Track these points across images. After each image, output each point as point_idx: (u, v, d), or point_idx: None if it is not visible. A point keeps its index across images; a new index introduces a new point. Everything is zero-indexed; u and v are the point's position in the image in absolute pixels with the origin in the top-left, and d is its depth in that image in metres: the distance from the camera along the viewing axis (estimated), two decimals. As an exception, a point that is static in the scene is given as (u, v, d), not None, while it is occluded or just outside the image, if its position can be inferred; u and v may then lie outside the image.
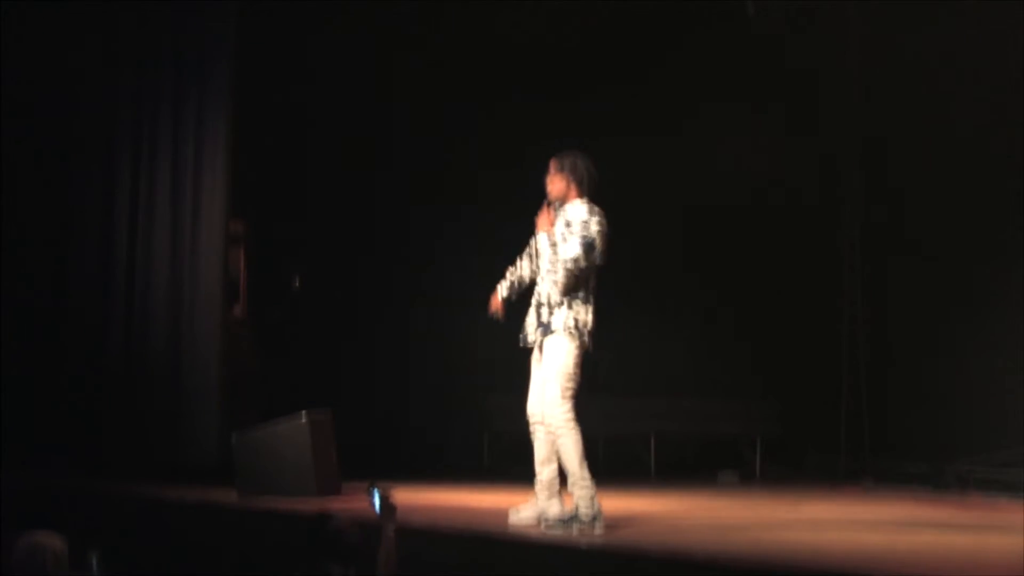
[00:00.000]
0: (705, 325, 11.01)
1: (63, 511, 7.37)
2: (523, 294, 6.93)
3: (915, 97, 10.04)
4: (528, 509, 6.80)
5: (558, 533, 6.49)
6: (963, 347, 9.68)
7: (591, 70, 10.84)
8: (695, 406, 10.64)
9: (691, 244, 11.12)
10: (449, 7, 10.23)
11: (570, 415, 6.55)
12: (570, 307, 6.58)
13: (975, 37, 9.44)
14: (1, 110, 9.17)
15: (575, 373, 6.58)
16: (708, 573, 5.77)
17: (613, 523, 6.61)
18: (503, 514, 6.92)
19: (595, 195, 6.70)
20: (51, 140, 9.40)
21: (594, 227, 6.57)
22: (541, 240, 6.71)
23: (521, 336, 6.80)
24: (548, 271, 6.63)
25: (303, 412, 8.04)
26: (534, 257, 6.87)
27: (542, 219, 6.72)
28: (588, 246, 6.54)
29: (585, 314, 6.60)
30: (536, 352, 6.75)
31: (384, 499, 5.49)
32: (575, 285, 6.57)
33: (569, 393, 6.56)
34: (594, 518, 6.47)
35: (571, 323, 6.56)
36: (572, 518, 6.52)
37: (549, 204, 6.75)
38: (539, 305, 6.68)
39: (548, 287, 6.64)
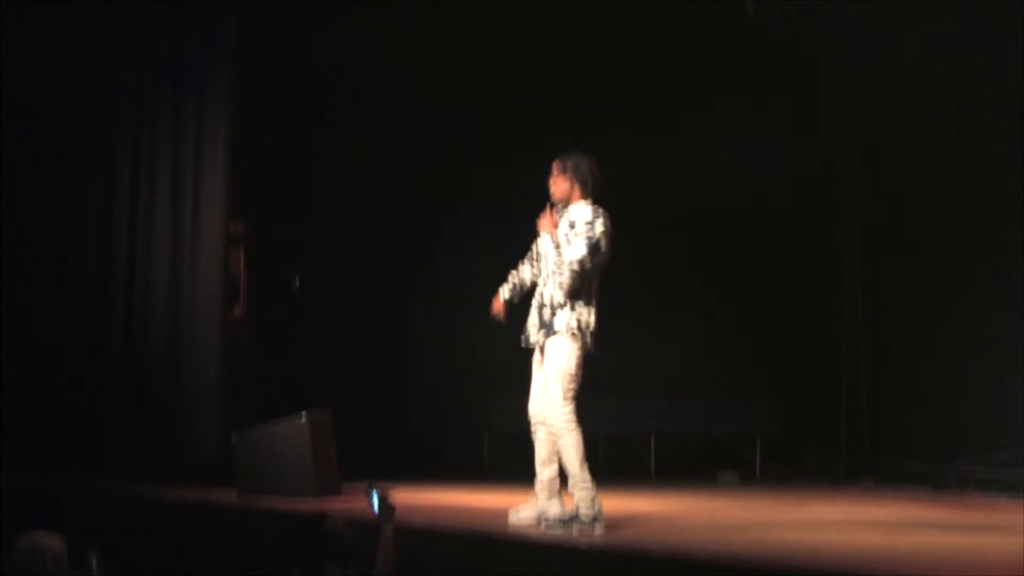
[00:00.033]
0: (705, 325, 11.01)
1: (63, 511, 7.37)
2: (525, 296, 6.93)
3: (915, 97, 10.04)
4: (528, 509, 6.80)
5: (558, 533, 6.49)
6: (963, 347, 9.68)
7: (591, 70, 10.84)
8: (695, 406, 10.64)
9: (691, 244, 11.11)
10: (449, 7, 10.23)
11: (571, 416, 6.55)
12: (573, 308, 6.58)
13: (975, 37, 9.44)
14: (1, 110, 9.17)
15: (577, 374, 6.58)
16: (708, 573, 5.77)
17: (613, 523, 6.61)
18: (503, 514, 6.92)
19: (598, 196, 6.71)
20: (51, 140, 9.40)
21: (599, 228, 6.58)
22: (544, 242, 6.70)
23: (523, 337, 6.80)
24: (553, 273, 6.62)
25: (303, 412, 8.04)
26: (536, 260, 6.86)
27: (544, 221, 6.72)
28: (594, 247, 6.55)
29: (588, 315, 6.60)
30: (538, 353, 6.75)
31: (383, 499, 5.49)
32: (580, 286, 6.57)
33: (571, 394, 6.56)
34: (594, 519, 6.48)
35: (574, 324, 6.56)
36: (572, 519, 6.52)
37: (552, 206, 6.75)
38: (541, 306, 6.68)
39: (551, 288, 6.64)
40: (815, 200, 10.85)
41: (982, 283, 9.73)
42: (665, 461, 10.45)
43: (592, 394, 6.76)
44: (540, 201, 6.84)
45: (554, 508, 6.68)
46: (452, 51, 10.58)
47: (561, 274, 6.56)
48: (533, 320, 6.73)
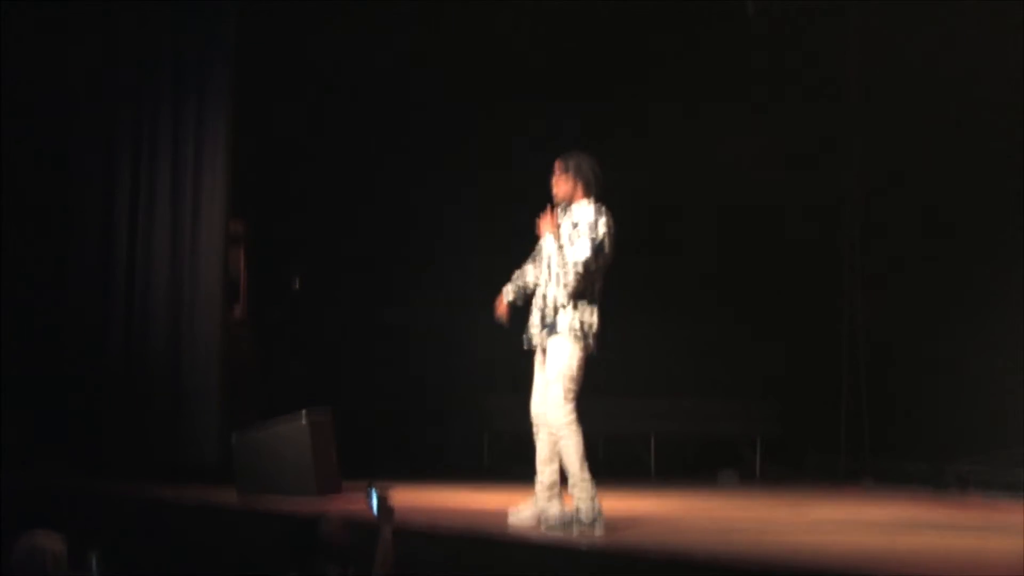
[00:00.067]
0: (705, 325, 11.00)
1: (63, 511, 7.37)
2: (529, 297, 6.92)
3: (915, 97, 10.03)
4: (528, 509, 6.80)
5: (558, 534, 6.49)
6: (963, 347, 9.67)
7: (591, 70, 10.84)
8: (695, 406, 10.64)
9: (691, 244, 11.11)
10: (449, 7, 10.23)
11: (572, 417, 6.55)
12: (575, 309, 6.58)
13: (975, 37, 9.44)
14: (1, 110, 9.17)
15: (578, 375, 6.58)
16: (708, 573, 5.77)
17: (613, 524, 6.61)
18: (503, 514, 6.93)
19: (601, 195, 6.71)
20: (51, 140, 9.40)
21: (602, 228, 6.58)
22: (547, 242, 6.70)
23: (525, 337, 6.80)
24: (556, 274, 6.62)
25: (303, 412, 8.04)
26: (540, 260, 6.85)
27: (545, 222, 6.72)
28: (597, 248, 6.56)
29: (591, 316, 6.61)
30: (540, 353, 6.75)
31: (382, 500, 5.49)
32: (583, 286, 6.57)
33: (571, 395, 6.57)
34: (594, 520, 6.48)
35: (576, 325, 6.57)
36: (572, 519, 6.52)
37: (554, 206, 6.75)
38: (544, 307, 6.68)
39: (554, 289, 6.64)
40: (815, 200, 10.84)
41: (982, 283, 9.73)
42: (665, 461, 10.45)
43: (592, 394, 6.76)
44: (540, 201, 6.84)
45: (554, 508, 6.68)
46: (452, 51, 10.57)
47: (565, 275, 6.56)
48: (535, 321, 6.74)
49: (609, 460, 9.82)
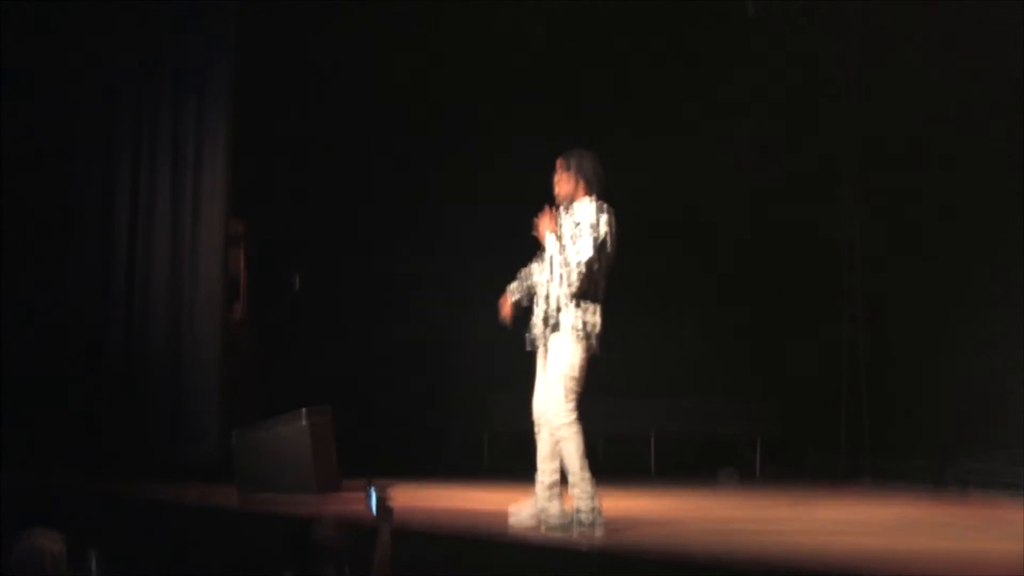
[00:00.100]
0: (705, 325, 11.01)
1: (63, 511, 7.37)
2: (534, 297, 6.91)
3: (915, 97, 10.03)
4: (528, 509, 6.80)
5: (558, 534, 6.49)
6: (963, 347, 9.67)
7: (591, 70, 10.84)
8: (695, 406, 10.63)
9: (691, 244, 11.11)
10: (449, 7, 10.23)
11: (573, 416, 6.55)
12: (578, 308, 6.58)
13: (975, 37, 9.43)
14: (1, 110, 9.17)
15: (580, 375, 6.58)
16: (708, 573, 5.77)
17: (613, 524, 6.61)
18: (503, 514, 6.92)
19: (602, 193, 6.71)
20: (51, 140, 9.40)
21: (603, 226, 6.58)
22: (549, 242, 6.70)
23: (528, 337, 6.79)
24: (559, 273, 6.61)
25: (303, 412, 8.04)
26: (544, 261, 6.84)
27: (544, 222, 6.72)
28: (600, 246, 6.55)
29: (593, 316, 6.60)
30: (542, 352, 6.75)
31: (381, 500, 5.49)
32: (586, 285, 6.57)
33: (573, 395, 6.57)
34: (594, 520, 6.48)
35: (579, 325, 6.56)
36: (572, 520, 6.52)
37: (556, 206, 6.75)
38: (546, 306, 6.67)
39: (556, 288, 6.63)
40: (815, 200, 10.84)
41: (982, 283, 9.73)
42: (665, 461, 10.45)
43: (593, 394, 6.76)
44: (541, 200, 6.84)
45: (554, 508, 6.68)
46: (452, 51, 10.58)
47: (568, 274, 6.56)
48: (538, 321, 6.73)
49: (609, 460, 9.82)
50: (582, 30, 10.63)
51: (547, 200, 6.82)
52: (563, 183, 6.74)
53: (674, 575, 5.79)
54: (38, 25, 9.27)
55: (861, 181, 10.68)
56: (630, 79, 10.83)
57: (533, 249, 6.89)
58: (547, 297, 6.68)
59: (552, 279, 6.66)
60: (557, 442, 6.61)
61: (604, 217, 6.61)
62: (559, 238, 6.65)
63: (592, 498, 6.50)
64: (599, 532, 6.46)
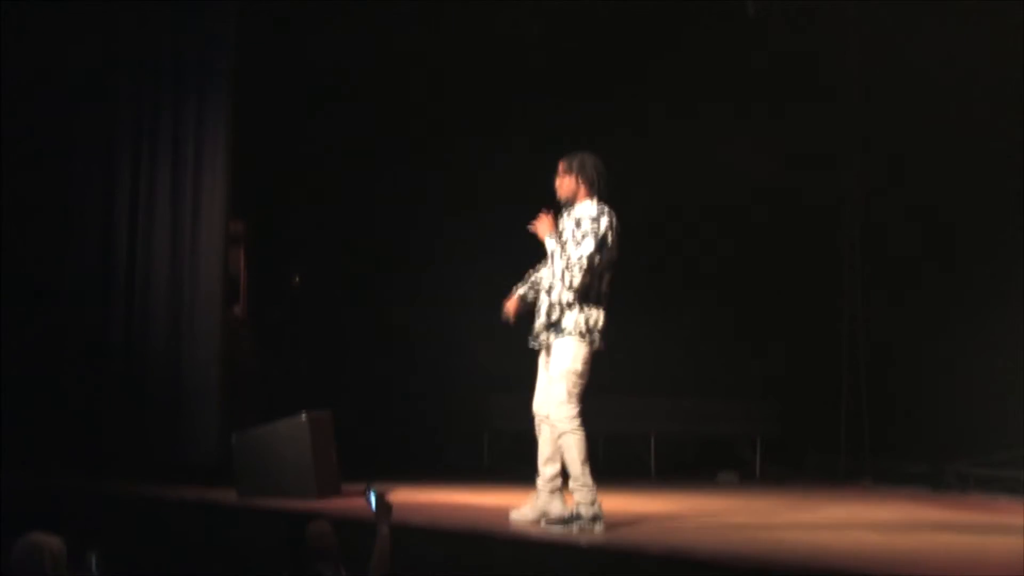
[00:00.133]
0: (705, 325, 11.00)
1: (63, 511, 7.37)
2: (537, 296, 6.91)
3: (915, 97, 10.03)
4: (529, 508, 6.80)
5: (558, 532, 6.50)
6: (963, 347, 9.68)
7: (591, 70, 10.84)
8: (695, 406, 10.63)
9: (691, 244, 11.11)
10: (449, 7, 10.23)
11: (575, 415, 6.56)
12: (581, 309, 6.59)
13: (975, 37, 9.44)
14: (1, 110, 9.17)
15: (583, 374, 6.59)
16: (708, 573, 5.77)
17: (613, 523, 6.61)
18: (503, 514, 6.93)
19: (604, 194, 6.71)
20: (51, 140, 9.40)
21: (604, 224, 6.59)
22: (548, 243, 6.71)
23: (531, 338, 6.79)
24: (561, 272, 6.61)
25: (303, 412, 8.04)
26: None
27: (541, 224, 6.74)
28: (600, 242, 6.56)
29: (596, 315, 6.61)
30: (545, 352, 6.75)
31: (380, 498, 5.49)
32: (589, 284, 6.57)
33: (576, 394, 6.57)
34: (594, 519, 6.49)
35: (582, 324, 6.57)
36: (572, 518, 6.53)
37: (556, 211, 6.75)
38: (550, 306, 6.67)
39: (558, 288, 6.63)
40: (815, 200, 10.84)
41: (982, 283, 9.73)
42: (665, 461, 10.45)
43: (593, 394, 6.76)
44: (541, 201, 6.85)
45: (555, 507, 6.68)
46: (452, 51, 10.58)
47: (570, 271, 6.56)
48: (541, 320, 6.73)
49: (609, 460, 9.82)
50: (582, 30, 10.62)
51: (548, 200, 6.83)
52: (565, 184, 6.76)
53: (673, 573, 5.79)
54: (38, 25, 9.27)
55: (861, 181, 10.68)
56: (630, 79, 10.82)
57: (534, 249, 6.89)
58: (549, 297, 6.68)
59: (554, 280, 6.66)
60: (558, 441, 6.61)
61: (604, 216, 6.62)
62: (560, 238, 6.65)
63: (592, 498, 6.50)
64: (599, 530, 6.46)
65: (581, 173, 6.72)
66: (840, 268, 10.72)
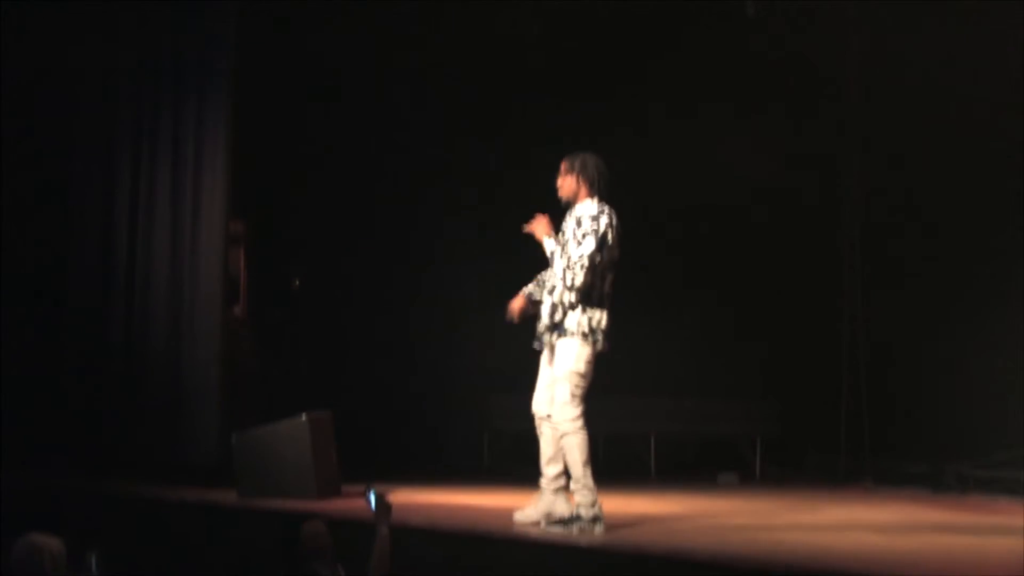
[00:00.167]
0: (705, 325, 11.00)
1: (63, 511, 7.38)
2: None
3: (915, 97, 10.03)
4: (534, 508, 6.79)
5: (558, 533, 6.50)
6: (963, 347, 9.67)
7: (591, 70, 10.84)
8: (695, 406, 10.63)
9: (691, 244, 11.11)
10: (449, 7, 10.23)
11: (578, 416, 6.56)
12: (584, 310, 6.58)
13: (975, 37, 9.44)
14: (1, 110, 9.17)
15: (586, 375, 6.59)
16: (708, 573, 5.78)
17: (613, 524, 6.61)
18: (503, 514, 6.93)
19: (606, 194, 6.72)
20: (51, 140, 9.40)
21: (604, 222, 6.59)
22: (547, 244, 6.71)
23: (535, 339, 6.79)
24: (561, 272, 6.61)
25: (303, 412, 8.04)
26: None
27: (537, 224, 6.74)
28: (600, 240, 6.56)
29: (599, 316, 6.61)
30: (548, 352, 6.74)
31: (380, 498, 5.50)
32: (592, 283, 6.57)
33: (579, 395, 6.57)
34: (594, 520, 6.49)
35: (585, 325, 6.57)
36: (573, 519, 6.53)
37: (561, 212, 6.75)
38: (553, 307, 6.67)
39: (560, 289, 6.63)
40: (815, 200, 10.84)
41: (982, 283, 9.73)
42: (665, 461, 10.45)
43: (593, 394, 6.76)
44: (542, 201, 6.85)
45: (559, 507, 6.67)
46: (452, 51, 10.58)
47: (571, 271, 6.56)
48: (544, 321, 6.73)
49: (609, 460, 9.82)
50: (582, 30, 10.62)
51: (549, 200, 6.83)
52: (566, 184, 6.77)
53: (674, 574, 5.79)
54: (38, 25, 9.27)
55: (861, 181, 10.68)
56: (630, 79, 10.82)
57: (534, 249, 6.89)
58: (552, 298, 6.68)
59: (555, 280, 6.66)
60: (561, 443, 6.61)
61: (604, 215, 6.62)
62: (560, 238, 6.65)
63: (593, 499, 6.51)
64: (599, 531, 6.46)
65: (582, 173, 6.73)
66: (840, 268, 10.72)
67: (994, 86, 9.56)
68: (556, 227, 6.78)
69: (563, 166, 6.80)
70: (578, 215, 6.68)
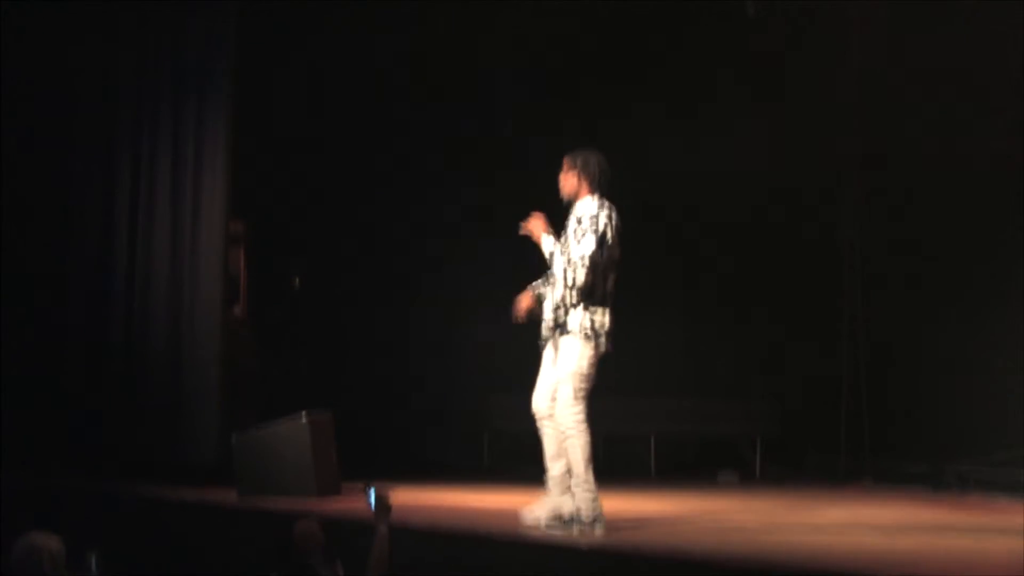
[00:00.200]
0: (705, 325, 11.00)
1: (63, 511, 7.38)
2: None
3: (915, 97, 10.03)
4: (540, 507, 6.77)
5: (558, 533, 6.49)
6: (963, 347, 9.67)
7: (590, 71, 10.84)
8: (695, 406, 10.63)
9: (691, 244, 11.10)
10: (449, 7, 10.23)
11: (581, 417, 6.55)
12: (586, 309, 6.58)
13: (975, 38, 9.43)
14: (1, 110, 9.17)
15: (589, 375, 6.58)
16: (707, 573, 5.77)
17: (613, 524, 6.61)
18: (503, 514, 6.92)
19: (607, 193, 6.71)
20: (51, 140, 9.40)
21: (603, 220, 6.58)
22: (546, 243, 6.71)
23: (540, 340, 6.78)
24: (563, 270, 6.61)
25: (303, 412, 8.04)
26: None
27: (534, 223, 6.75)
28: (600, 239, 6.56)
29: (602, 316, 6.60)
30: (551, 350, 6.73)
31: (379, 497, 5.49)
32: (594, 283, 6.57)
33: (582, 394, 6.56)
34: (594, 520, 6.48)
35: (587, 325, 6.56)
36: (573, 519, 6.53)
37: (564, 208, 6.75)
38: (556, 307, 6.67)
39: (561, 288, 6.63)
40: (815, 200, 10.83)
41: (982, 283, 9.73)
42: (665, 461, 10.45)
43: (593, 394, 6.75)
44: (542, 201, 6.85)
45: (568, 504, 6.64)
46: (452, 51, 10.58)
47: (573, 270, 6.55)
48: (548, 321, 6.73)
49: (609, 460, 9.81)
50: (582, 30, 10.62)
51: (549, 199, 6.83)
52: (568, 181, 6.76)
53: (673, 574, 5.79)
54: (38, 25, 9.27)
55: (861, 181, 10.68)
56: (629, 79, 10.82)
57: (534, 249, 6.89)
58: (555, 298, 6.67)
59: (557, 280, 6.65)
60: (564, 444, 6.60)
61: (604, 212, 6.61)
62: (560, 236, 6.65)
63: (594, 500, 6.50)
64: (599, 531, 6.46)
65: (584, 170, 6.72)
66: (840, 268, 10.72)
67: (994, 86, 9.56)
68: (558, 225, 6.78)
69: (565, 163, 6.79)
70: (578, 213, 6.67)
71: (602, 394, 6.77)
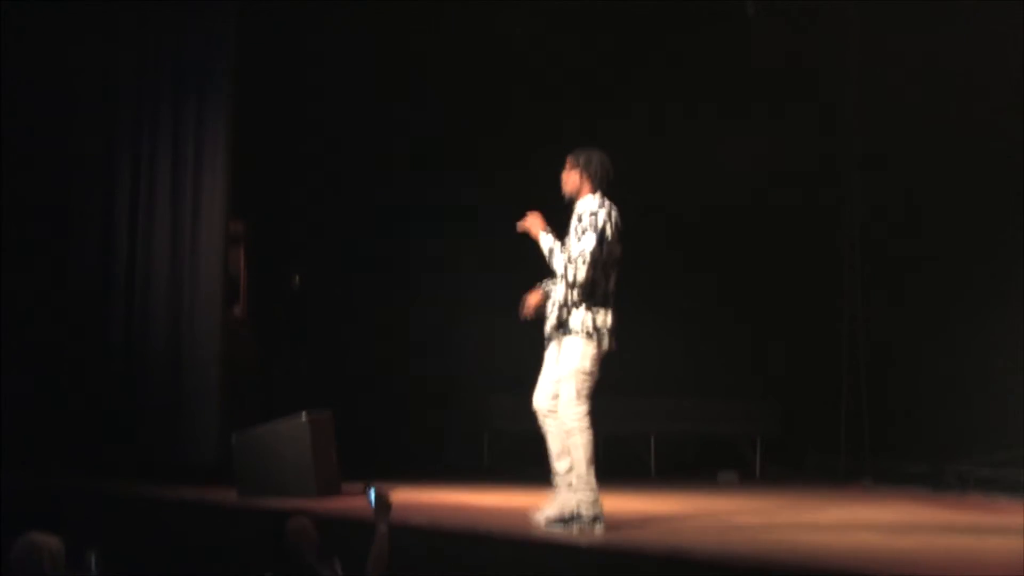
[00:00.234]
0: (705, 325, 11.00)
1: (63, 511, 7.37)
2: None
3: (915, 97, 10.03)
4: (550, 506, 6.76)
5: (558, 532, 6.49)
6: (963, 347, 9.67)
7: (591, 71, 10.84)
8: (695, 406, 10.63)
9: (691, 244, 11.10)
10: (449, 7, 10.23)
11: (584, 415, 6.56)
12: (588, 308, 6.58)
13: (975, 37, 9.43)
14: (1, 110, 9.17)
15: (592, 374, 6.58)
16: (708, 573, 5.77)
17: (613, 524, 6.61)
18: (503, 514, 6.92)
19: (609, 192, 6.72)
20: (51, 140, 9.40)
21: (602, 217, 6.58)
22: (544, 241, 6.72)
23: (545, 339, 6.78)
24: (563, 269, 6.61)
25: (303, 412, 8.04)
26: None
27: (531, 222, 6.75)
28: (600, 237, 6.56)
29: (604, 315, 6.60)
30: (554, 349, 6.73)
31: (379, 496, 5.50)
32: (595, 280, 6.56)
33: (584, 394, 6.57)
34: (594, 519, 6.49)
35: (589, 324, 6.57)
36: (573, 518, 6.53)
37: (565, 207, 6.76)
38: (559, 306, 6.67)
39: (563, 287, 6.63)
40: (815, 200, 10.84)
41: (982, 283, 9.73)
42: (665, 461, 10.44)
43: (593, 394, 6.75)
44: (542, 201, 6.85)
45: (572, 502, 6.63)
46: (453, 51, 10.58)
47: (573, 268, 6.55)
48: (551, 320, 6.73)
49: (609, 460, 9.79)
50: (581, 30, 10.62)
51: (550, 199, 6.83)
52: (570, 179, 6.77)
53: (674, 574, 5.79)
54: (38, 25, 9.27)
55: (861, 181, 10.68)
56: (629, 79, 10.82)
57: (534, 249, 6.89)
58: (557, 297, 6.67)
59: (558, 279, 6.66)
60: (567, 442, 6.60)
61: (604, 210, 6.61)
62: (560, 234, 6.66)
63: (594, 500, 6.51)
64: (599, 531, 6.46)
65: (586, 168, 6.73)
66: (840, 268, 10.72)
67: (994, 86, 9.56)
68: (560, 224, 6.78)
69: (568, 161, 6.80)
70: (579, 211, 6.68)
71: (602, 393, 6.77)
